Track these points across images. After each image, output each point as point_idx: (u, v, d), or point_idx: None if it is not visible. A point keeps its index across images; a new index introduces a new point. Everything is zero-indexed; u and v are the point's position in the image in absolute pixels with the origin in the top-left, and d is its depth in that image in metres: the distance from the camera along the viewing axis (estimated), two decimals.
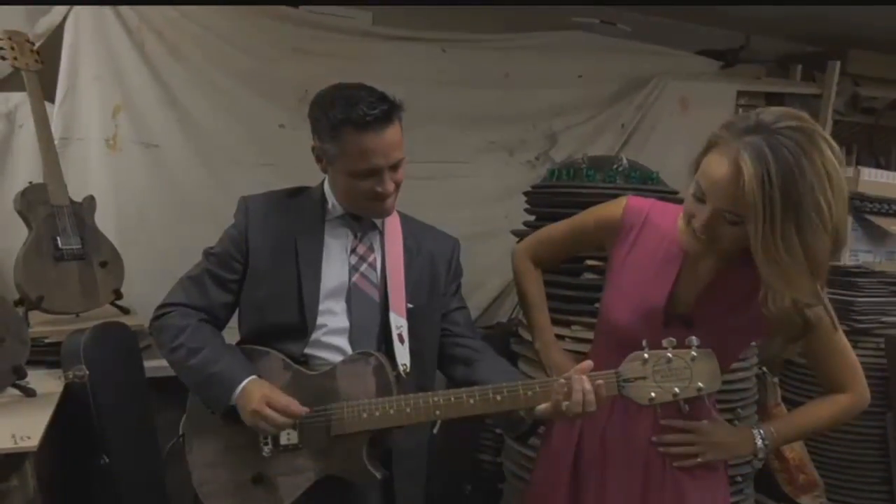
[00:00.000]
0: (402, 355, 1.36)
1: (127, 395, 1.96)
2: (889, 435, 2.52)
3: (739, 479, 2.05)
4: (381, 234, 1.46)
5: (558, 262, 1.59)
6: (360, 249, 1.43)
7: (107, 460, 1.83)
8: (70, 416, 1.80)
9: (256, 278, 1.40)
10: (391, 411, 1.27)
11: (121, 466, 1.86)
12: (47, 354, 1.94)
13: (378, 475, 1.30)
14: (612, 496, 1.36)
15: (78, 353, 1.83)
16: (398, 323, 1.38)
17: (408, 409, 1.26)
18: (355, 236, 1.43)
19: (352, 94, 1.31)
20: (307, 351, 1.38)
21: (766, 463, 2.34)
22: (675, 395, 1.15)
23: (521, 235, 2.40)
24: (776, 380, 2.46)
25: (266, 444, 1.33)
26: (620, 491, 1.36)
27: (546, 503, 1.44)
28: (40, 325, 2.06)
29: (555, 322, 2.01)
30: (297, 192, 1.49)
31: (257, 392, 1.27)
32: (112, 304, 2.23)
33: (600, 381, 1.18)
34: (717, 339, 1.22)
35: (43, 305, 2.04)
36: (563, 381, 1.19)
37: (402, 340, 1.37)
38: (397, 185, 1.38)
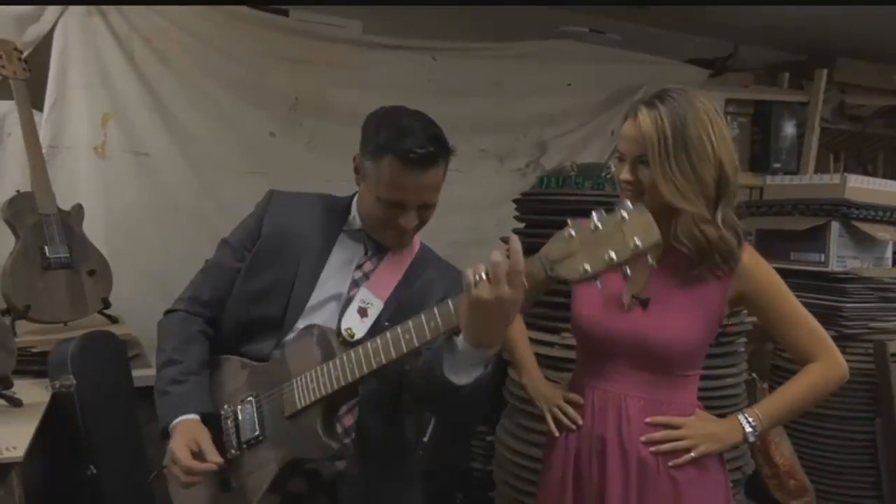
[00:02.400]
0: (352, 322, 1.31)
1: (114, 405, 1.95)
2: (878, 440, 2.53)
3: (731, 485, 2.05)
4: (389, 253, 1.42)
5: (534, 299, 1.66)
6: (367, 267, 1.39)
7: (94, 471, 1.81)
8: (57, 427, 1.78)
9: (255, 267, 1.38)
10: (335, 372, 1.21)
11: (108, 477, 1.84)
12: (34, 364, 1.93)
13: (334, 445, 1.23)
14: (613, 499, 1.36)
15: (65, 363, 1.82)
16: (367, 298, 1.33)
17: (349, 366, 1.20)
18: (365, 253, 1.40)
19: (406, 125, 1.28)
20: (276, 352, 1.35)
21: (757, 469, 2.35)
22: (610, 260, 1.00)
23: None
24: (766, 385, 2.47)
25: (231, 446, 1.31)
26: (619, 492, 1.36)
27: None
28: (27, 334, 2.04)
29: (544, 329, 2.04)
30: (325, 198, 1.47)
31: (174, 441, 1.26)
32: (100, 312, 2.21)
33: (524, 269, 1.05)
34: (674, 313, 1.34)
35: (30, 314, 2.02)
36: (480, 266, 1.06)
37: (363, 314, 1.32)
38: (422, 223, 1.35)
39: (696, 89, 1.37)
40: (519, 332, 1.64)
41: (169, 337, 1.38)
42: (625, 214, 1.01)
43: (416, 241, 1.46)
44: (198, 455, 1.25)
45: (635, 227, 1.00)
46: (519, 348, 1.64)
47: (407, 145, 1.24)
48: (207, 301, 1.41)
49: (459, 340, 1.12)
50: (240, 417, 1.32)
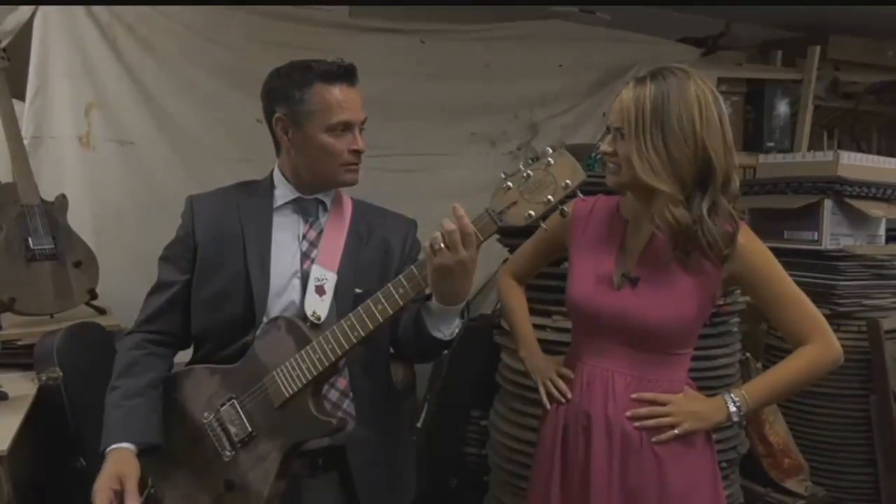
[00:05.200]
0: (315, 305, 1.33)
1: (102, 396, 1.91)
2: (872, 417, 2.53)
3: (725, 464, 2.05)
4: (328, 215, 1.44)
5: (535, 272, 1.70)
6: (311, 235, 1.40)
7: (83, 462, 1.80)
8: (45, 419, 1.77)
9: (205, 275, 1.38)
10: (315, 355, 1.25)
11: (97, 468, 1.82)
12: (20, 357, 1.92)
13: (333, 421, 1.29)
14: (596, 472, 1.37)
15: (51, 355, 1.80)
16: (321, 275, 1.35)
17: (328, 346, 1.25)
18: (305, 221, 1.41)
19: (309, 60, 1.35)
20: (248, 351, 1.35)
21: (752, 448, 2.35)
22: (548, 202, 1.15)
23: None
24: (760, 365, 2.47)
25: (224, 449, 1.32)
26: (603, 466, 1.36)
27: (541, 494, 1.46)
28: (13, 327, 2.02)
29: (536, 312, 2.02)
30: (244, 186, 1.48)
31: (99, 476, 1.26)
32: (87, 304, 2.19)
33: (475, 227, 1.18)
34: (663, 292, 1.34)
35: (15, 307, 2.00)
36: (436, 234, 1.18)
37: (321, 292, 1.34)
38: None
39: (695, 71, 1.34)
40: (519, 306, 1.66)
41: (116, 363, 1.40)
42: (550, 160, 1.16)
43: (348, 199, 1.47)
44: (119, 494, 1.24)
45: (563, 169, 1.16)
46: (518, 322, 1.65)
47: (327, 66, 1.33)
48: (156, 318, 1.41)
49: (433, 304, 1.26)
50: (225, 420, 1.32)
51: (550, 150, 1.16)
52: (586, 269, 1.42)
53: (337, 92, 1.32)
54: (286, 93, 1.34)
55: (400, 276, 1.23)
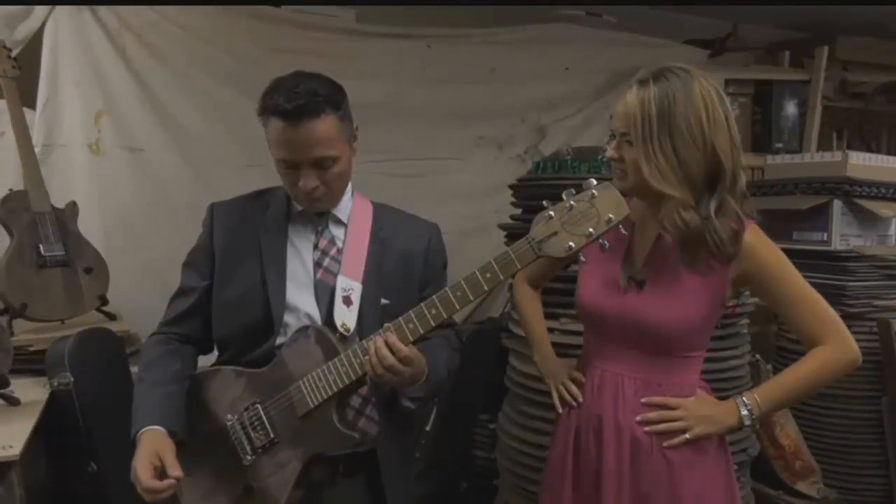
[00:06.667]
0: (344, 316, 1.33)
1: (113, 401, 1.93)
2: (884, 419, 2.51)
3: (735, 467, 2.02)
4: (346, 227, 1.42)
5: (550, 276, 1.71)
6: (322, 244, 1.40)
7: (95, 467, 1.82)
8: (57, 424, 1.79)
9: (223, 281, 1.39)
10: (343, 368, 1.26)
11: (109, 473, 1.84)
12: (32, 363, 1.93)
13: (356, 436, 1.29)
14: (608, 476, 1.36)
15: (62, 361, 1.82)
16: (347, 285, 1.35)
17: (356, 360, 1.25)
18: (317, 231, 1.41)
19: (283, 81, 1.28)
20: (275, 357, 1.36)
21: (763, 450, 2.34)
22: (589, 235, 1.13)
23: (506, 229, 2.39)
24: (770, 367, 2.45)
25: (245, 453, 1.33)
26: (613, 470, 1.36)
27: (553, 496, 1.46)
28: (25, 333, 2.04)
29: (544, 315, 2.02)
30: (264, 193, 1.47)
31: (136, 456, 1.26)
32: (98, 310, 2.21)
33: (513, 255, 1.18)
34: (670, 294, 1.33)
35: (27, 313, 2.02)
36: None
37: (348, 303, 1.34)
38: (326, 183, 1.32)
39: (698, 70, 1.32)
40: (534, 310, 1.66)
41: (142, 359, 1.42)
42: (595, 192, 1.14)
43: (368, 204, 1.46)
44: (159, 469, 1.24)
45: (607, 203, 1.14)
46: (534, 326, 1.65)
47: (276, 100, 1.24)
48: (179, 321, 1.43)
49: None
50: (248, 425, 1.33)
51: (595, 182, 1.14)
52: (595, 272, 1.41)
53: (280, 129, 1.25)
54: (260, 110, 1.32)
55: (433, 296, 1.22)
